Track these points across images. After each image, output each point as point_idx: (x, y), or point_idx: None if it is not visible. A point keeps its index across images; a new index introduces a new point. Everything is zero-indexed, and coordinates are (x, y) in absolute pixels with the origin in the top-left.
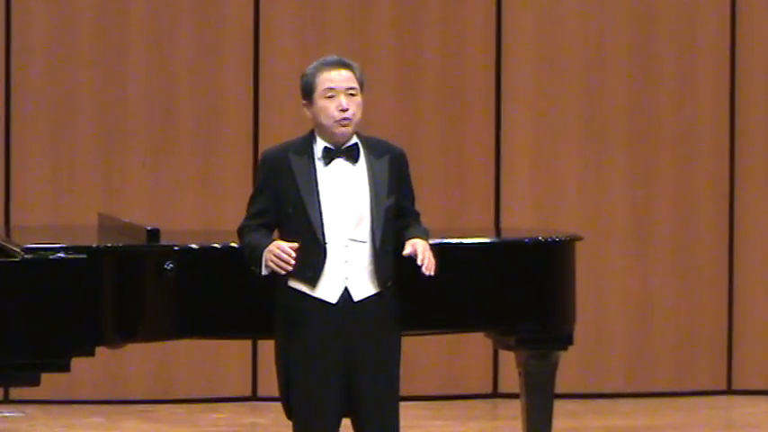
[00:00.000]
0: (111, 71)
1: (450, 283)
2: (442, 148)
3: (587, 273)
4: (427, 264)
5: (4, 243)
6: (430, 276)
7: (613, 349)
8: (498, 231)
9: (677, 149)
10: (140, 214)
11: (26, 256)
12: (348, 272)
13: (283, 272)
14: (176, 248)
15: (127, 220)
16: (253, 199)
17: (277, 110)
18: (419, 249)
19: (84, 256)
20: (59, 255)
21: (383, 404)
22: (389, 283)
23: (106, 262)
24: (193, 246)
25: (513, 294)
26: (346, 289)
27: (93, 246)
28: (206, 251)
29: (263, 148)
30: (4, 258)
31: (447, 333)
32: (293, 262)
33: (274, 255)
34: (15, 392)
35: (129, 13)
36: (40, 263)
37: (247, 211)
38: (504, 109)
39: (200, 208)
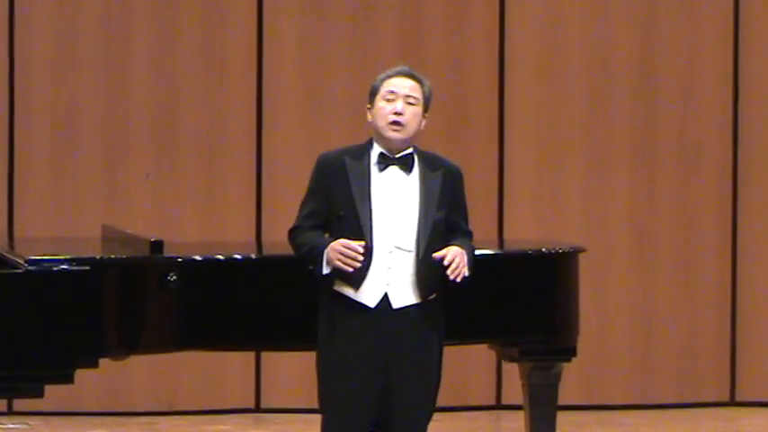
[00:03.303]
0: (113, 84)
1: (454, 295)
2: None
3: (590, 284)
4: (453, 267)
5: (7, 255)
6: (455, 281)
7: (616, 361)
8: (501, 243)
9: (680, 162)
10: (144, 226)
11: (30, 267)
12: (390, 278)
13: (350, 269)
14: (179, 260)
15: (130, 232)
16: (305, 200)
17: (280, 123)
18: (450, 253)
19: (88, 267)
20: (63, 266)
21: (413, 418)
22: (433, 296)
23: (109, 274)
24: (196, 258)
25: (517, 306)
26: (386, 295)
27: (97, 257)
28: (209, 263)
29: (266, 160)
30: (7, 270)
31: (450, 345)
32: (361, 258)
33: (341, 253)
34: (19, 404)
35: (132, 26)
36: (43, 274)
37: (299, 212)
38: (507, 122)
39: (204, 220)
